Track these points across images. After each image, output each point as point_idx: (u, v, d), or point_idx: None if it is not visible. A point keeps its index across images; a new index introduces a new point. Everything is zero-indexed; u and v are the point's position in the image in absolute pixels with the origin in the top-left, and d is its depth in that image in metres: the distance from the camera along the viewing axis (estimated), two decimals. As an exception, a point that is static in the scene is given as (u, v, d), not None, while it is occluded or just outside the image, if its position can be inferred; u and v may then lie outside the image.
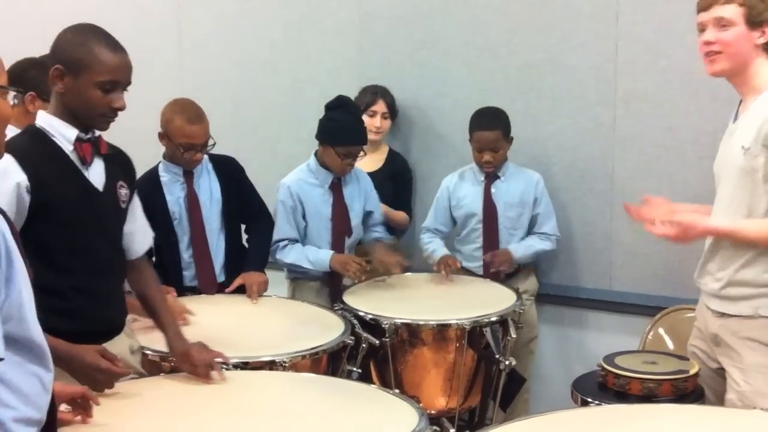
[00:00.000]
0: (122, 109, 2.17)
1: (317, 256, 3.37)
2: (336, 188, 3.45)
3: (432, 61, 3.90)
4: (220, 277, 3.30)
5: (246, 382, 2.34)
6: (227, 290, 3.21)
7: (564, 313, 3.80)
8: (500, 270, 3.48)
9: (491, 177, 3.58)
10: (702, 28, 2.48)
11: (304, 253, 3.38)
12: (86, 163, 2.21)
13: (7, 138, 1.89)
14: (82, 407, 1.94)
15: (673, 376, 2.59)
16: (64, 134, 2.18)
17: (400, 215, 3.86)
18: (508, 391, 3.29)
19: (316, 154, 3.46)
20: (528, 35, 3.68)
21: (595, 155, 3.60)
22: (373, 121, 3.79)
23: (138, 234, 2.42)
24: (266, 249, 3.37)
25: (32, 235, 2.02)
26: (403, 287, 3.47)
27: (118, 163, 2.34)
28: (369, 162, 3.71)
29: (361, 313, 3.05)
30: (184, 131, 3.15)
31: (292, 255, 3.38)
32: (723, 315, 2.52)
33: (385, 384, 3.03)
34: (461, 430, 3.20)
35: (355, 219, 3.51)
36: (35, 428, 1.50)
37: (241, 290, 3.22)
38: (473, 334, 3.04)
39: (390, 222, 3.83)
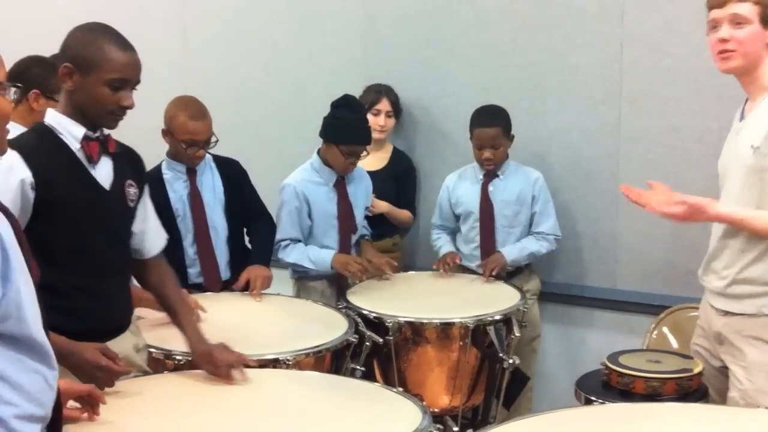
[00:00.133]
0: (130, 107, 2.18)
1: (319, 255, 3.37)
2: (340, 186, 3.45)
3: (436, 60, 3.90)
4: (225, 275, 3.32)
5: (249, 380, 2.34)
6: (235, 286, 3.21)
7: (568, 312, 3.79)
8: (494, 275, 3.45)
9: (490, 175, 3.59)
10: (715, 25, 2.46)
11: (305, 252, 3.38)
12: (93, 161, 2.22)
13: (14, 135, 1.90)
14: (90, 405, 1.94)
15: (677, 374, 2.59)
16: (71, 132, 2.19)
17: (404, 214, 3.86)
18: (512, 389, 3.29)
19: (318, 153, 3.46)
20: (532, 34, 3.67)
21: (600, 154, 3.60)
22: (377, 120, 3.79)
23: (150, 233, 2.42)
24: (269, 247, 3.38)
25: (36, 233, 2.02)
26: (406, 285, 3.47)
27: (127, 161, 2.34)
28: (373, 160, 3.71)
29: (364, 312, 3.06)
30: (187, 128, 3.17)
31: (294, 255, 3.38)
32: (727, 313, 2.52)
33: (388, 382, 3.03)
34: (464, 429, 3.19)
35: (359, 216, 3.53)
36: (39, 425, 1.50)
37: (247, 287, 3.22)
38: (477, 332, 3.03)
39: (394, 220, 3.84)
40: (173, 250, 3.22)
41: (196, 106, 3.23)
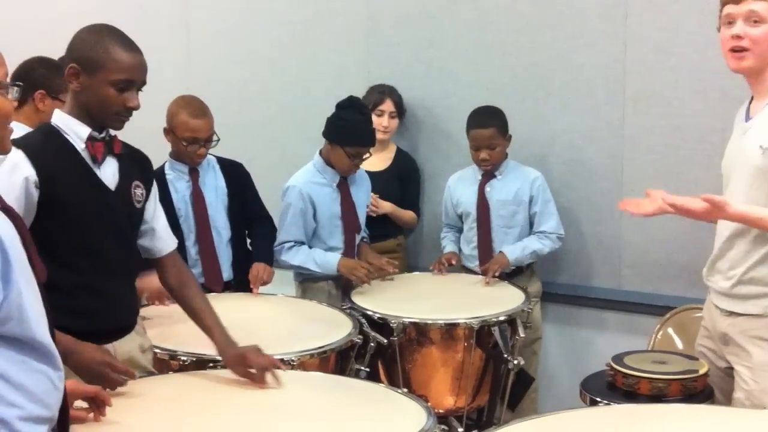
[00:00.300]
0: (136, 108, 2.19)
1: (324, 259, 3.37)
2: (343, 187, 3.45)
3: (439, 61, 3.90)
4: (227, 275, 3.33)
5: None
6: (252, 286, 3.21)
7: (573, 313, 3.79)
8: (497, 275, 3.45)
9: (488, 176, 3.58)
10: (730, 21, 2.42)
11: (311, 255, 3.38)
12: (97, 161, 2.22)
13: (19, 135, 1.90)
14: (96, 405, 1.94)
15: (682, 375, 2.58)
16: (76, 132, 2.19)
17: (408, 214, 3.86)
18: (517, 390, 3.28)
19: (320, 153, 3.46)
20: (536, 34, 3.67)
21: (604, 154, 3.59)
22: (381, 121, 3.79)
23: (160, 232, 2.42)
24: (271, 249, 3.39)
25: (40, 232, 2.03)
26: (411, 286, 3.47)
27: (134, 162, 2.35)
28: (377, 161, 3.71)
29: (369, 312, 3.06)
30: (188, 125, 3.19)
31: (299, 257, 3.38)
32: (732, 314, 2.52)
33: (393, 383, 3.03)
34: (469, 430, 3.19)
35: (362, 216, 3.53)
36: (45, 426, 1.49)
37: (248, 288, 3.23)
38: (481, 333, 3.03)
39: (397, 221, 3.84)
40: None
41: (197, 104, 3.25)
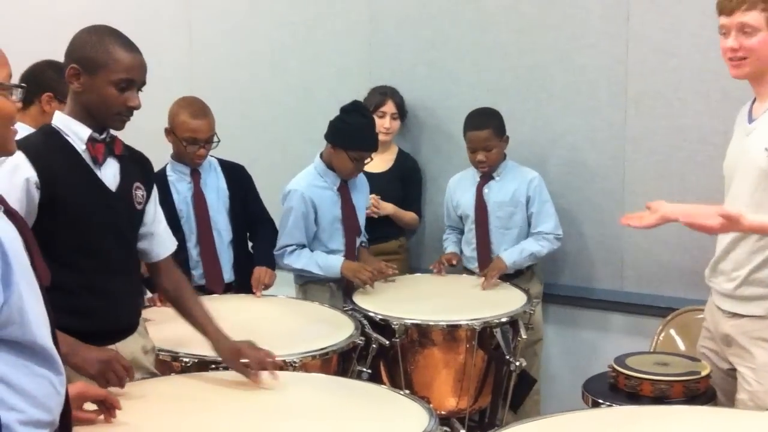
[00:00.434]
0: (137, 108, 2.19)
1: (327, 262, 3.37)
2: (344, 190, 3.45)
3: (441, 62, 3.90)
4: (228, 277, 3.33)
5: (260, 382, 2.34)
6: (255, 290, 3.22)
7: (575, 314, 3.79)
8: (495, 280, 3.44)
9: (486, 177, 3.58)
10: (725, 32, 2.45)
11: (313, 258, 3.38)
12: (98, 162, 2.22)
13: (22, 136, 1.90)
14: (106, 407, 1.94)
15: (684, 377, 2.58)
16: (77, 133, 2.20)
17: (410, 215, 3.87)
18: (519, 392, 3.28)
19: (321, 156, 3.45)
20: (537, 36, 3.67)
21: (606, 155, 3.59)
22: (383, 122, 3.79)
23: (159, 236, 2.42)
24: (272, 252, 3.39)
25: (41, 232, 2.02)
26: (413, 287, 3.47)
27: (135, 164, 2.35)
28: (378, 162, 3.71)
29: (371, 314, 3.05)
30: (188, 125, 3.20)
31: (301, 261, 3.38)
32: (735, 315, 2.51)
33: (395, 384, 3.02)
34: (471, 431, 3.19)
35: (362, 219, 3.53)
36: (46, 430, 1.48)
37: (249, 290, 3.23)
38: (483, 334, 3.03)
39: (399, 222, 3.84)
40: (177, 251, 3.24)
41: (198, 105, 3.27)
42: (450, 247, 3.70)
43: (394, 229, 3.84)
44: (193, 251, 3.29)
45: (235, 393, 2.23)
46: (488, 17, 3.76)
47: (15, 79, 1.59)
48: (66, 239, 2.15)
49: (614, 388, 2.66)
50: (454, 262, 3.62)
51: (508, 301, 3.22)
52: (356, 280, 3.32)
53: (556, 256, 3.65)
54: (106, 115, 2.19)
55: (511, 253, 3.49)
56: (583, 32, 3.58)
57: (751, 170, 2.44)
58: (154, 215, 2.41)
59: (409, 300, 3.29)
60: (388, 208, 3.77)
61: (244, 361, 2.27)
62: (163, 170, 3.30)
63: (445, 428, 2.09)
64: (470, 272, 3.63)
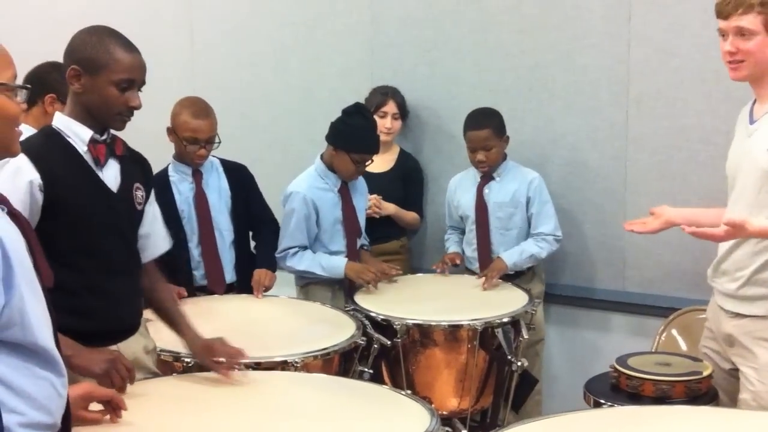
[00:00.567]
0: (138, 108, 2.20)
1: (330, 263, 3.37)
2: (344, 191, 3.45)
3: (442, 62, 3.89)
4: (230, 277, 3.32)
5: (258, 383, 2.34)
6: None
7: (577, 314, 3.78)
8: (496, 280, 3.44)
9: (486, 178, 3.58)
10: (722, 35, 2.46)
11: (317, 260, 3.38)
12: (100, 164, 2.22)
13: (23, 138, 1.90)
14: (113, 408, 1.94)
15: (686, 377, 2.58)
16: (78, 134, 2.20)
17: (411, 215, 3.86)
18: (521, 392, 3.28)
19: (322, 158, 3.45)
20: (539, 36, 3.67)
21: (607, 155, 3.59)
22: (384, 122, 3.78)
23: (155, 237, 2.43)
24: (273, 254, 3.39)
25: (43, 234, 2.02)
26: (414, 288, 3.47)
27: (135, 165, 2.36)
28: (380, 162, 3.70)
29: (372, 314, 3.05)
30: (189, 125, 3.20)
31: (304, 262, 3.38)
32: (737, 315, 2.51)
33: (396, 385, 3.03)
34: (473, 431, 3.19)
35: (362, 220, 3.53)
36: None
37: (251, 290, 3.23)
38: (485, 335, 3.03)
39: (401, 222, 3.84)
40: (179, 251, 3.24)
41: (200, 105, 3.27)
42: (452, 247, 3.71)
43: (395, 229, 3.84)
44: (195, 252, 3.28)
45: (237, 393, 2.23)
46: (490, 17, 3.76)
47: (19, 80, 1.58)
48: (67, 240, 2.15)
49: (616, 388, 2.66)
50: (458, 262, 3.62)
51: (509, 301, 3.22)
52: (360, 280, 3.32)
53: (557, 256, 3.65)
54: (108, 116, 2.19)
55: (511, 254, 3.49)
56: (584, 32, 3.57)
57: (753, 171, 2.44)
58: (153, 216, 2.42)
59: (410, 300, 3.29)
60: (390, 208, 3.77)
61: (216, 359, 2.32)
62: (165, 170, 3.31)
63: (447, 428, 2.09)
64: (472, 272, 3.63)
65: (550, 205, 3.56)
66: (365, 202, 3.59)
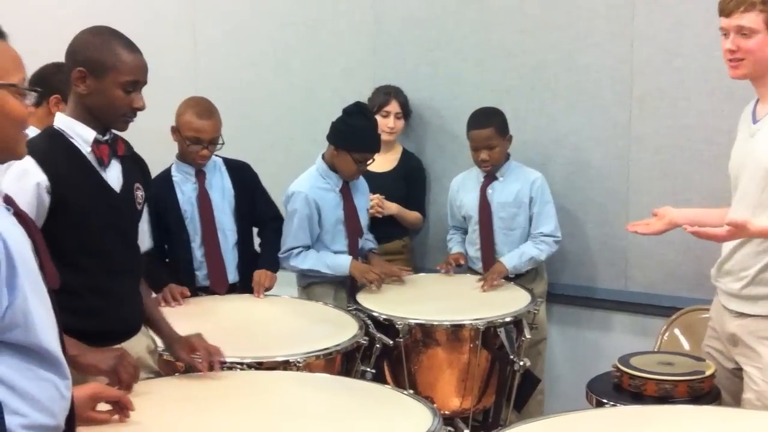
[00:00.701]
0: (142, 109, 2.20)
1: (335, 261, 3.37)
2: (346, 191, 3.45)
3: (445, 61, 3.89)
4: (233, 278, 3.32)
5: (260, 382, 2.34)
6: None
7: (579, 314, 3.78)
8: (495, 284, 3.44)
9: (490, 178, 3.58)
10: (724, 33, 2.46)
11: (321, 258, 3.38)
12: (104, 164, 2.23)
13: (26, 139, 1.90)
14: (120, 408, 1.95)
15: (689, 377, 2.57)
16: (82, 135, 2.20)
17: (414, 215, 3.86)
18: (523, 391, 3.28)
19: (323, 158, 3.45)
20: (542, 35, 3.66)
21: (610, 155, 3.59)
22: (387, 122, 3.78)
23: (144, 234, 2.44)
24: (275, 254, 3.39)
25: (48, 235, 2.02)
26: (416, 287, 3.47)
27: (135, 165, 2.36)
28: (382, 162, 3.71)
29: (374, 314, 3.05)
30: (192, 125, 3.20)
31: (309, 261, 3.38)
32: (741, 315, 2.51)
33: (398, 384, 3.03)
34: (475, 431, 3.19)
35: (364, 220, 3.53)
36: None
37: (252, 290, 3.23)
38: (487, 334, 3.03)
39: (403, 222, 3.84)
40: (182, 252, 3.25)
41: (204, 105, 3.26)
42: (455, 248, 3.70)
43: (398, 228, 3.84)
44: (198, 252, 3.28)
45: (239, 393, 2.23)
46: (492, 17, 3.76)
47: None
48: (71, 240, 2.16)
49: (618, 387, 2.66)
50: (462, 262, 3.62)
51: (511, 300, 3.22)
52: (364, 280, 3.32)
53: (560, 255, 3.64)
54: (113, 117, 2.19)
55: (511, 258, 3.49)
56: (587, 32, 3.57)
57: (757, 171, 2.44)
58: (145, 215, 2.43)
59: (412, 300, 3.29)
60: (392, 207, 3.77)
61: (195, 356, 2.34)
62: (168, 171, 3.31)
63: (449, 428, 2.10)
64: (474, 272, 3.63)
65: (551, 205, 3.56)
66: (366, 201, 3.59)
